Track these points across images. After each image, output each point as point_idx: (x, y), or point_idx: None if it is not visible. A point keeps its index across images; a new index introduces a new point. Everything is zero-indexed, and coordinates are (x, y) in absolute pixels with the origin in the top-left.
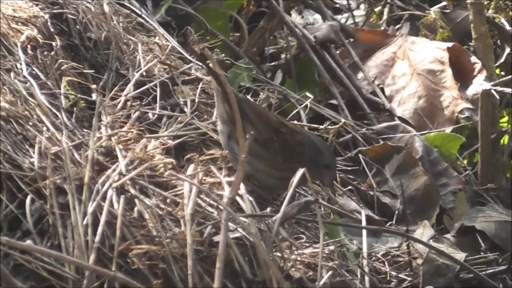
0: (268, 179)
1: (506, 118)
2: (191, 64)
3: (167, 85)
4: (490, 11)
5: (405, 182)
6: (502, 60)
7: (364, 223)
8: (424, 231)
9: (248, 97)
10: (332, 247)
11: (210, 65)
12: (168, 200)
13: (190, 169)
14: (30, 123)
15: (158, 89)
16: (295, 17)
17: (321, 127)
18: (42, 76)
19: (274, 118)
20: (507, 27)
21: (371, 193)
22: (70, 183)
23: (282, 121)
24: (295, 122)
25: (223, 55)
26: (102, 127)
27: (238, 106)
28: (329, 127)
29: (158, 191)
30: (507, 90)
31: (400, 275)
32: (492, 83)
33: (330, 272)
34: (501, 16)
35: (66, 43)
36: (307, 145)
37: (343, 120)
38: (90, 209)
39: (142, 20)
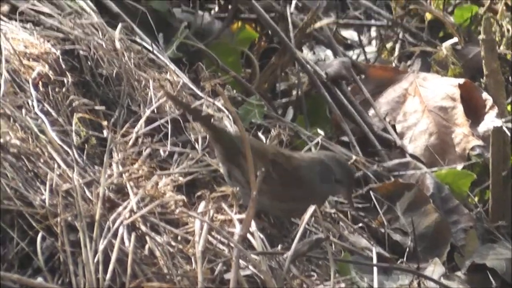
0: (273, 211)
1: None
2: (202, 100)
3: (178, 121)
4: (501, 47)
5: (416, 219)
6: None
7: (375, 261)
8: (435, 269)
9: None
10: (343, 285)
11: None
12: (179, 238)
13: (201, 206)
14: (41, 160)
15: (169, 126)
16: (306, 53)
17: None
18: (53, 113)
19: (271, 149)
20: None
21: (382, 230)
22: (81, 220)
23: (278, 151)
24: None
25: (235, 91)
26: (113, 164)
27: (232, 146)
28: None
29: (169, 228)
30: None
31: None
32: (503, 119)
33: None
34: None
35: (78, 79)
36: (304, 168)
37: (354, 157)
38: (101, 246)
39: (154, 56)
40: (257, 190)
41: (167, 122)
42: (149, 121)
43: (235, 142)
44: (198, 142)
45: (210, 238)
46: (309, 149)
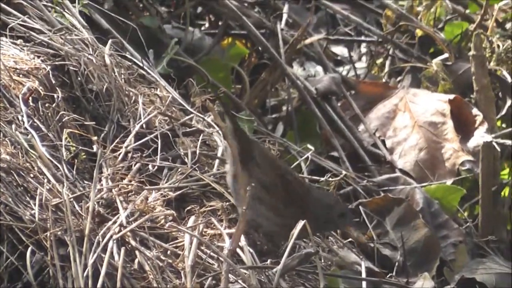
0: (270, 225)
1: (507, 170)
2: (192, 115)
3: (168, 136)
4: (492, 63)
5: (405, 234)
6: (503, 112)
7: (364, 275)
8: (424, 283)
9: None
10: None
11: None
12: (168, 252)
13: (191, 221)
14: (31, 175)
15: (159, 141)
16: (296, 69)
17: (322, 179)
18: (43, 128)
19: (282, 164)
20: (509, 79)
21: (372, 245)
22: (71, 235)
23: (289, 169)
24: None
25: (222, 101)
26: (103, 179)
27: (246, 146)
28: (330, 179)
29: (159, 242)
30: (508, 142)
31: None
32: (493, 135)
33: None
34: (503, 69)
35: (68, 95)
36: (312, 197)
37: (344, 172)
38: (90, 261)
39: (144, 72)
40: (246, 205)
41: (156, 137)
42: (138, 136)
43: (250, 144)
44: (187, 157)
45: (200, 253)
46: (299, 165)
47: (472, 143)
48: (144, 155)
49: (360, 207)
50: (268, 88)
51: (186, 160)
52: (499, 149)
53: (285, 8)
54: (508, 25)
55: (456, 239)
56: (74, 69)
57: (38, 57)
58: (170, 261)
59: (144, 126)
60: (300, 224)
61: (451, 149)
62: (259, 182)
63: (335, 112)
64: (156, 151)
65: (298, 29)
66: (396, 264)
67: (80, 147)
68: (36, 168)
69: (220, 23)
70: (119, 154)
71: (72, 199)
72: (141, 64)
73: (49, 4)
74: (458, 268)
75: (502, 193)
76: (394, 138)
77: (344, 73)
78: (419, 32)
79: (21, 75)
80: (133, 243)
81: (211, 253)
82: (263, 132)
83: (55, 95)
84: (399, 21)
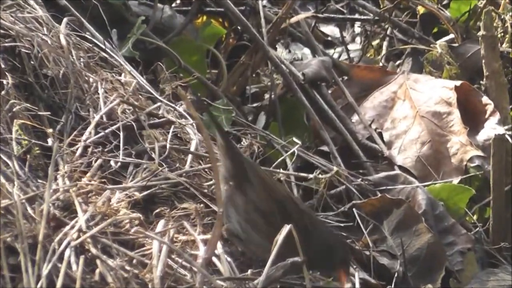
0: (264, 254)
1: None
2: (161, 104)
3: (133, 129)
4: (504, 45)
5: (406, 240)
6: None
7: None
8: None
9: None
10: None
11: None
12: (134, 261)
13: (160, 226)
14: None
15: (121, 134)
16: (281, 52)
17: (310, 176)
18: None
19: (282, 191)
20: None
21: (367, 253)
22: (22, 241)
23: (291, 197)
24: (281, 171)
25: (199, 95)
26: (59, 177)
27: (240, 166)
28: (320, 176)
29: (123, 250)
30: None
31: None
32: (506, 127)
33: None
34: None
35: (19, 81)
36: (316, 233)
37: (335, 169)
38: (45, 271)
39: (106, 55)
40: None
41: (119, 129)
42: (99, 128)
43: (247, 168)
44: (155, 152)
45: (170, 262)
46: (283, 161)
47: (482, 136)
48: (106, 149)
49: (354, 209)
50: (249, 73)
51: (153, 155)
52: None
53: None
54: None
55: (464, 246)
56: (26, 51)
57: None
58: (136, 271)
59: (105, 116)
60: (285, 229)
61: (458, 143)
62: (255, 207)
63: (325, 101)
64: (119, 145)
65: (282, 6)
66: (396, 274)
67: (33, 141)
68: None
69: None
70: (77, 149)
71: (24, 201)
72: (102, 46)
73: None
74: (466, 279)
75: None
76: (393, 131)
77: (335, 56)
78: (421, 10)
79: None
80: (93, 251)
81: (183, 263)
82: (242, 123)
83: (5, 81)
84: None
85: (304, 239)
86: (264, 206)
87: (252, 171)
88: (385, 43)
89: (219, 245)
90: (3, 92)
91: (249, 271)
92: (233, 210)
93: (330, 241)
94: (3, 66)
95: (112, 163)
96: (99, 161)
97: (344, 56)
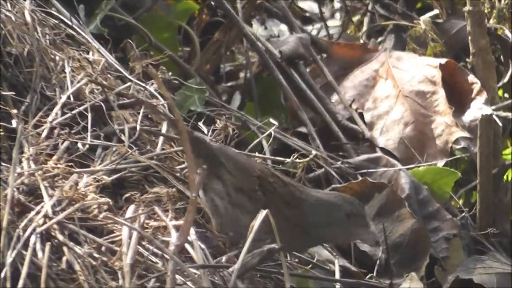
0: (239, 230)
1: (510, 150)
2: (131, 83)
3: (101, 109)
4: (491, 21)
5: (388, 226)
6: (505, 79)
7: (338, 276)
8: (411, 285)
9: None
10: None
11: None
12: (103, 248)
13: (130, 211)
14: None
15: (89, 115)
16: (256, 28)
17: (288, 160)
18: None
19: (258, 166)
20: None
21: None
22: None
23: (270, 171)
24: (256, 154)
25: (170, 73)
26: (24, 160)
27: (213, 158)
28: (297, 160)
29: (91, 237)
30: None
31: None
32: (493, 107)
33: None
34: (504, 27)
35: None
36: (309, 199)
37: (314, 151)
38: (9, 259)
39: (73, 32)
40: (197, 191)
41: (87, 110)
42: (66, 108)
43: (217, 154)
44: (125, 134)
45: (141, 249)
46: (259, 143)
47: (468, 116)
48: (73, 131)
49: None
50: (223, 51)
51: (123, 137)
52: (500, 124)
53: None
54: None
55: (449, 232)
56: None
57: None
58: (105, 259)
59: (72, 96)
60: (261, 215)
61: (443, 124)
62: (235, 189)
63: (303, 80)
64: (87, 126)
65: None
66: (378, 262)
67: None
68: None
69: None
70: (43, 131)
71: None
72: (69, 22)
73: None
74: (451, 267)
75: (504, 177)
76: (374, 111)
77: (314, 33)
78: None
79: None
80: (60, 237)
81: (154, 250)
82: (216, 103)
83: None
84: None
85: (297, 206)
86: (244, 185)
87: (224, 154)
88: (366, 19)
89: (192, 231)
90: None
91: (224, 258)
92: (216, 198)
93: (329, 198)
94: None
95: (79, 145)
96: (66, 143)
97: (323, 33)
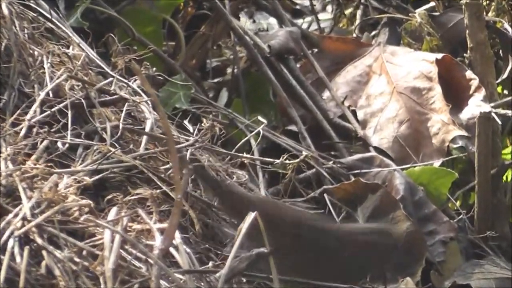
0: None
1: (509, 149)
2: (113, 79)
3: (82, 106)
4: (490, 13)
5: None
6: (505, 75)
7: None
8: None
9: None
10: None
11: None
12: (84, 252)
13: (112, 213)
14: None
15: (69, 112)
16: (244, 22)
17: (277, 161)
18: None
19: (290, 218)
20: None
21: None
22: None
23: (304, 220)
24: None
25: (154, 69)
26: (1, 160)
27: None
28: (287, 161)
29: (72, 240)
30: (511, 113)
31: None
32: (492, 104)
33: None
34: (504, 20)
35: None
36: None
37: (304, 152)
38: None
39: (52, 26)
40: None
41: (67, 107)
42: (45, 106)
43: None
44: (107, 133)
45: (124, 253)
46: (247, 142)
47: (466, 114)
48: (52, 130)
49: (325, 195)
50: (209, 45)
51: (105, 136)
52: (499, 122)
53: None
54: None
55: (446, 235)
56: None
57: None
58: (86, 263)
59: (52, 93)
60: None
61: (440, 122)
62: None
63: (293, 76)
64: (67, 124)
65: None
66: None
67: None
68: None
69: None
70: (21, 129)
71: None
72: (48, 16)
73: None
74: (448, 271)
75: (504, 177)
76: (368, 108)
77: (305, 26)
78: None
79: None
80: (39, 241)
81: (138, 254)
82: (202, 100)
83: None
84: None
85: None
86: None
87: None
88: (359, 12)
89: (177, 234)
90: None
91: (210, 263)
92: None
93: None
94: None
95: (59, 144)
96: (45, 142)
97: (314, 27)
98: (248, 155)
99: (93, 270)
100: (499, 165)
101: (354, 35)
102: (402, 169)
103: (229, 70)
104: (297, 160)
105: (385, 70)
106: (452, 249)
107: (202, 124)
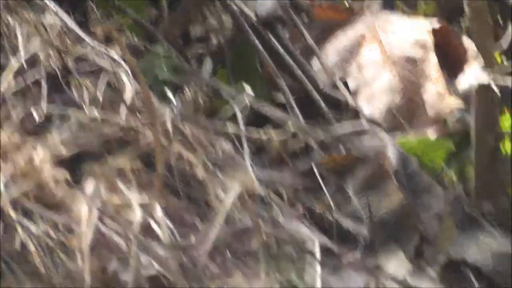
0: None
1: (508, 119)
2: (90, 48)
3: (57, 76)
4: None
5: (374, 201)
6: (504, 45)
7: (318, 255)
8: (398, 266)
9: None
10: (276, 286)
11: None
12: (60, 227)
13: (90, 186)
14: None
15: (43, 82)
16: None
17: (264, 137)
18: None
19: None
20: None
21: (329, 216)
22: None
23: None
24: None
25: (135, 38)
26: None
27: None
28: (275, 138)
29: (47, 215)
30: (510, 82)
31: None
32: (490, 73)
33: None
34: None
35: None
36: None
37: (291, 125)
38: None
39: None
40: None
41: (42, 77)
42: (20, 76)
43: None
44: (85, 102)
45: (102, 228)
46: (234, 114)
47: (463, 84)
48: (27, 101)
49: (314, 167)
50: (193, 13)
51: (83, 106)
52: (498, 92)
53: None
54: None
55: (440, 209)
56: None
57: None
58: (62, 238)
59: (26, 64)
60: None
61: (435, 92)
62: None
63: (281, 44)
64: (43, 95)
65: None
66: (361, 240)
67: None
68: None
69: None
70: None
71: None
72: None
73: None
74: (443, 245)
75: (502, 149)
76: (359, 78)
77: None
78: None
79: None
80: (13, 215)
81: (117, 228)
82: (185, 70)
83: None
84: None
85: None
86: None
87: None
88: None
89: (158, 208)
90: None
91: (193, 237)
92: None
93: None
94: None
95: (34, 115)
96: (20, 114)
97: None
98: (234, 129)
99: (70, 245)
100: (497, 136)
101: (346, 2)
102: (395, 140)
103: (214, 39)
104: (285, 136)
105: (378, 39)
106: (447, 223)
107: (185, 94)
